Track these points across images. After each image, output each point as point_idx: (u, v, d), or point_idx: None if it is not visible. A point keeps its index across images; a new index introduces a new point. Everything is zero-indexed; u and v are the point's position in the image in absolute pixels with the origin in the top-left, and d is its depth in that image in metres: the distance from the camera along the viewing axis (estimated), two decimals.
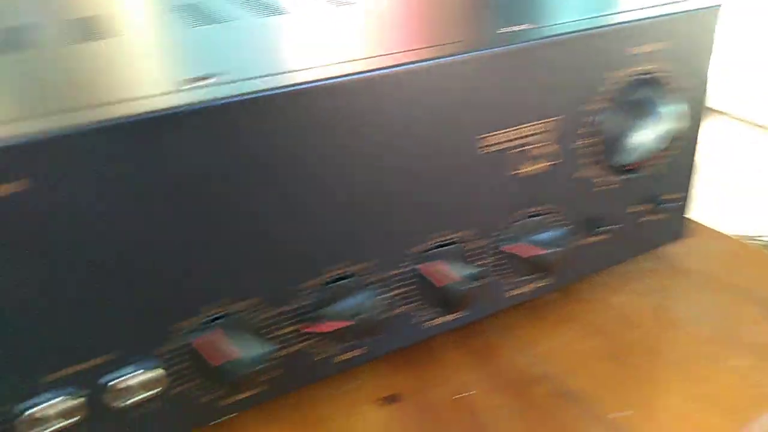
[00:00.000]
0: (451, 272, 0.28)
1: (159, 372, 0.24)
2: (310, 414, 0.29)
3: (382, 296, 0.27)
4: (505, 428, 0.28)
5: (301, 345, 0.27)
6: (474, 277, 0.29)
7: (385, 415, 0.29)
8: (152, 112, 0.20)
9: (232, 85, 0.23)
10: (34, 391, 0.22)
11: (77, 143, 0.20)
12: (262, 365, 0.25)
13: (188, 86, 0.23)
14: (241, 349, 0.24)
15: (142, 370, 0.24)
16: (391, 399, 0.30)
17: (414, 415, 0.29)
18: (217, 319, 0.24)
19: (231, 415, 0.27)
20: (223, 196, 0.23)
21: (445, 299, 0.29)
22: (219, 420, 0.27)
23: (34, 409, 0.22)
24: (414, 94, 0.25)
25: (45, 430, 0.22)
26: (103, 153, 0.20)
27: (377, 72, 0.24)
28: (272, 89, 0.22)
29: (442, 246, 0.29)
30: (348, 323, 0.26)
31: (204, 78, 0.24)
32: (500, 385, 0.30)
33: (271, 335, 0.26)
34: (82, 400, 0.23)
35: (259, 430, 0.28)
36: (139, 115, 0.20)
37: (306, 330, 0.26)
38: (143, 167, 0.21)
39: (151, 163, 0.21)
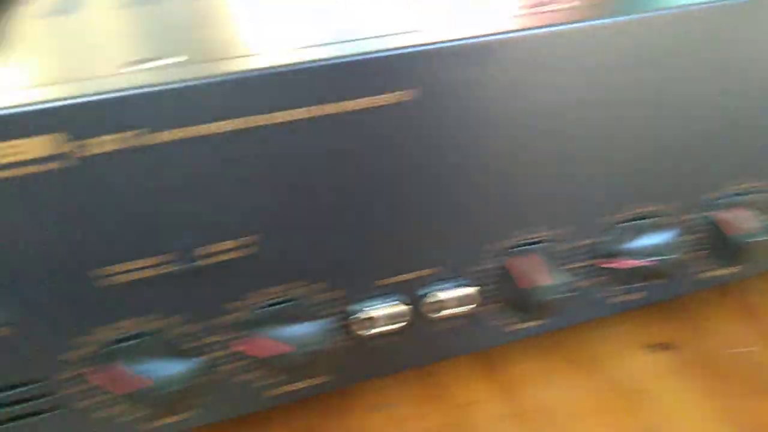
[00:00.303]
0: (748, 221, 0.27)
1: (473, 290, 0.25)
2: (581, 352, 0.29)
3: (679, 240, 0.27)
4: None
5: (588, 281, 0.27)
6: None
7: (660, 360, 0.29)
8: (521, 30, 0.21)
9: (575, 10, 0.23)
10: (368, 294, 0.24)
11: (461, 57, 0.20)
12: (564, 295, 0.25)
13: (529, 11, 0.23)
14: (550, 276, 0.25)
15: (459, 286, 0.25)
16: (663, 346, 0.29)
17: (690, 364, 0.28)
18: (527, 245, 0.25)
19: (509, 341, 0.28)
20: (548, 125, 0.23)
21: (731, 250, 0.28)
22: (498, 344, 0.28)
23: (367, 310, 0.24)
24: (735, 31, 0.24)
25: (373, 329, 0.24)
26: (477, 70, 0.21)
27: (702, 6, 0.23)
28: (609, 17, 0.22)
29: (736, 195, 0.28)
30: (645, 263, 0.26)
31: (540, 4, 0.24)
32: None
33: (567, 267, 0.26)
34: (409, 307, 0.24)
35: (532, 362, 0.29)
36: (505, 32, 0.21)
37: (603, 265, 0.26)
38: (495, 88, 0.21)
39: (506, 85, 0.21)
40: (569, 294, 0.25)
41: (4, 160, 0.18)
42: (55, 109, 0.18)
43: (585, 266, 0.26)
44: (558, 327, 0.28)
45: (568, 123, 0.23)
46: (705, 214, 0.27)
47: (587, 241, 0.26)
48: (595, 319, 0.29)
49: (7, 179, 0.18)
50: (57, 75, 0.20)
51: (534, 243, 0.25)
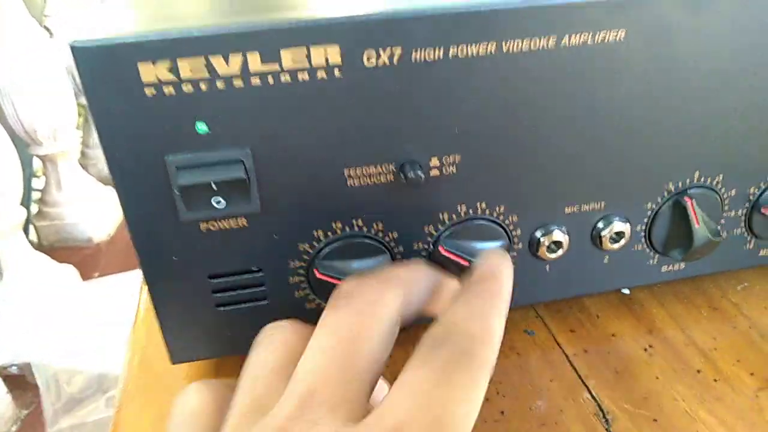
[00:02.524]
0: None
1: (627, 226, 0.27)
2: (723, 300, 0.31)
3: None
4: None
5: (740, 229, 0.29)
6: None
7: None
8: None
9: None
10: (554, 220, 0.26)
11: (650, 4, 0.22)
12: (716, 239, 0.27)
13: None
14: (703, 222, 0.27)
15: (625, 220, 0.27)
16: None
17: None
18: (700, 187, 0.27)
19: (661, 281, 0.30)
20: (744, 73, 0.25)
21: None
22: (650, 283, 0.30)
23: (553, 234, 0.26)
24: None
25: (552, 252, 0.27)
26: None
27: None
28: None
29: None
30: None
31: None
32: None
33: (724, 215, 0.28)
34: (576, 237, 0.27)
35: (675, 306, 0.31)
36: None
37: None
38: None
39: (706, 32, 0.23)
40: (719, 239, 0.27)
41: (294, 66, 0.20)
42: (338, 23, 0.20)
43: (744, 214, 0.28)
44: (703, 273, 0.30)
45: (751, 70, 0.25)
46: None
47: (753, 190, 0.28)
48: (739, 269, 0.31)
49: (291, 83, 0.21)
50: None
51: (704, 187, 0.27)
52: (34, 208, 1.42)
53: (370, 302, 0.19)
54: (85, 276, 1.27)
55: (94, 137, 1.55)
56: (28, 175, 1.35)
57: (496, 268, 0.20)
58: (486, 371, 0.17)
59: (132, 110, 0.20)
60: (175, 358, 0.26)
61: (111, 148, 0.21)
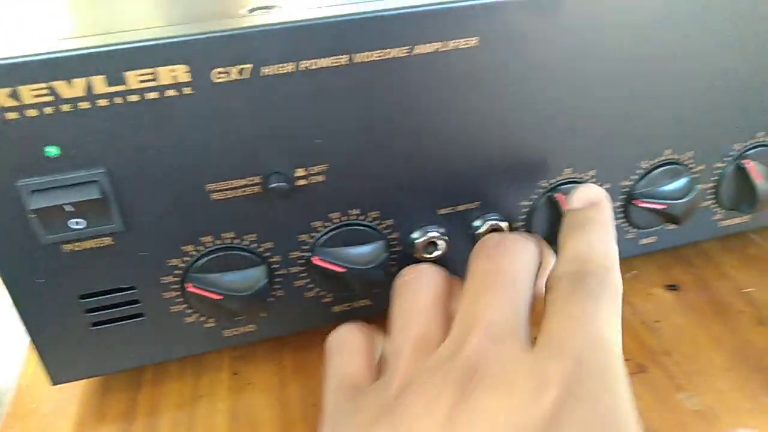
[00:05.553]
0: None
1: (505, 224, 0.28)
2: None
3: (701, 186, 0.30)
4: None
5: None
6: None
7: (671, 298, 0.32)
8: None
9: None
10: (431, 221, 0.27)
11: (501, 12, 0.23)
12: None
13: None
14: None
15: (502, 219, 0.28)
16: (672, 287, 0.33)
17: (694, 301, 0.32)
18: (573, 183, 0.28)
19: None
20: (589, 75, 0.26)
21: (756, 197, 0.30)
22: None
23: (429, 235, 0.27)
24: None
25: (429, 253, 0.27)
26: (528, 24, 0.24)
27: None
28: None
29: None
30: (664, 205, 0.29)
31: None
32: None
33: None
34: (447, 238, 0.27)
35: None
36: None
37: (640, 204, 0.29)
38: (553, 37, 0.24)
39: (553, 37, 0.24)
40: None
41: (141, 86, 0.20)
42: (183, 43, 0.20)
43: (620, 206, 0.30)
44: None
45: (607, 72, 0.26)
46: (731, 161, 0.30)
47: (625, 183, 0.29)
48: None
49: (140, 102, 0.21)
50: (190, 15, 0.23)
51: (576, 182, 0.28)
52: None
53: (520, 249, 0.22)
54: None
55: None
56: None
57: (595, 197, 0.24)
58: (619, 294, 0.20)
59: None
60: (56, 379, 0.26)
61: None
